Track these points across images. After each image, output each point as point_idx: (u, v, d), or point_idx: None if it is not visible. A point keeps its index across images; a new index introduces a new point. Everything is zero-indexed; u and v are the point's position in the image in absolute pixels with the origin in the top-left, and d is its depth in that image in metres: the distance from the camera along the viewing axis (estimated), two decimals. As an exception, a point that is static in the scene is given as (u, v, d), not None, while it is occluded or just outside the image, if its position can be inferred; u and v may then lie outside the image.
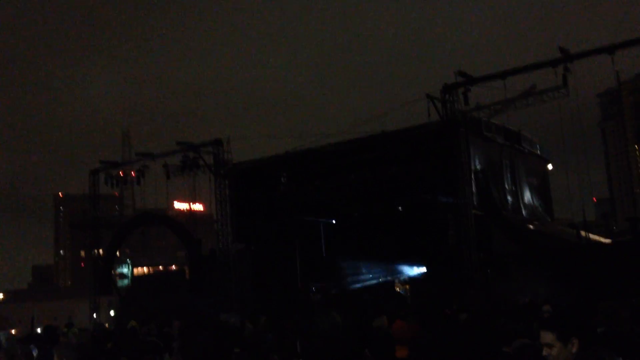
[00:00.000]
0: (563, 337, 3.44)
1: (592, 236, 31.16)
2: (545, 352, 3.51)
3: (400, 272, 29.50)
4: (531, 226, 30.41)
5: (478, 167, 27.42)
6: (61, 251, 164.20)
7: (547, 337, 3.51)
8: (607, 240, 32.55)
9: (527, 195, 33.18)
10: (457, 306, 15.99)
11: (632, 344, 4.46)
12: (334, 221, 31.79)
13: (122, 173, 35.40)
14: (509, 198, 30.85)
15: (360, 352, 1.89)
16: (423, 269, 28.30)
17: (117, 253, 40.93)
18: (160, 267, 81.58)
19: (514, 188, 31.56)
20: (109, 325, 30.73)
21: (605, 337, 4.51)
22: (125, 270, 45.49)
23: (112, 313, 38.25)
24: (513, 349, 5.07)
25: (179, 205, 62.22)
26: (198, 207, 59.96)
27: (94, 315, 33.92)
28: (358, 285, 30.34)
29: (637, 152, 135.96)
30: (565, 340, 3.42)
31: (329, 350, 1.80)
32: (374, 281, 29.81)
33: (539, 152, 35.46)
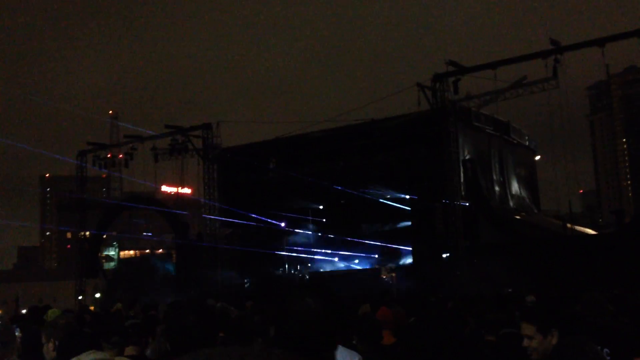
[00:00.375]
0: (543, 329, 3.47)
1: (577, 228, 31.42)
2: (525, 343, 3.54)
3: (387, 260, 29.63)
4: (518, 217, 30.59)
5: (467, 156, 27.50)
6: (47, 232, 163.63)
7: (528, 329, 3.54)
8: (593, 232, 32.83)
9: (515, 186, 33.35)
10: (443, 294, 16.10)
11: (614, 334, 4.51)
12: (321, 207, 31.85)
13: (110, 155, 35.18)
14: (497, 188, 31.00)
15: (333, 336, 1.91)
16: (409, 258, 28.43)
17: (104, 235, 40.81)
18: (147, 251, 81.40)
19: (501, 178, 31.70)
20: (94, 307, 30.69)
21: (587, 328, 4.56)
22: (112, 252, 45.44)
23: (98, 295, 38.16)
24: (497, 338, 5.11)
25: (167, 189, 61.88)
26: (186, 191, 59.66)
27: (80, 297, 33.83)
28: (341, 267, 30.47)
29: (624, 146, 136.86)
30: (545, 332, 3.46)
31: (301, 335, 1.81)
32: (359, 267, 29.94)
33: (527, 143, 35.62)
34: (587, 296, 5.67)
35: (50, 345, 4.28)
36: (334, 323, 2.09)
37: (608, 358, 3.71)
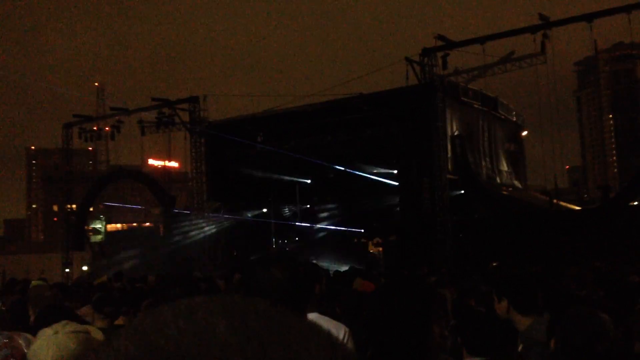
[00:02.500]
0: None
1: (563, 203, 31.69)
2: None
3: (374, 234, 29.76)
4: (505, 192, 30.79)
5: (455, 132, 27.55)
6: (33, 205, 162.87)
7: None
8: (577, 208, 33.13)
9: (502, 161, 33.51)
10: (428, 269, 16.24)
11: (595, 305, 4.58)
12: (309, 181, 31.87)
13: (96, 128, 34.91)
14: (484, 163, 31.12)
15: (299, 305, 1.95)
16: (396, 232, 28.58)
17: (91, 208, 40.68)
18: (135, 224, 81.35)
19: (489, 154, 31.82)
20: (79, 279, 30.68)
21: (574, 300, 4.63)
22: (99, 226, 45.35)
23: (85, 268, 38.14)
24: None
25: (154, 162, 61.62)
26: (173, 164, 59.48)
27: (66, 270, 33.81)
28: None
29: (610, 122, 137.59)
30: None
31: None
32: (347, 242, 30.03)
33: (514, 118, 35.71)
34: (572, 269, 5.77)
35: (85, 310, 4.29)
36: (299, 292, 2.13)
37: None
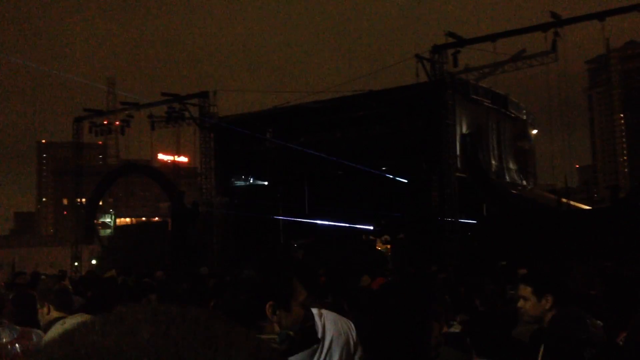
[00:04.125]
0: (538, 291, 3.64)
1: (572, 203, 31.54)
2: (520, 304, 3.74)
3: (383, 231, 29.70)
4: (514, 191, 30.67)
5: (464, 129, 27.45)
6: (44, 198, 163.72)
7: (524, 290, 3.72)
8: (587, 207, 32.97)
9: (512, 160, 33.38)
10: (437, 267, 16.22)
11: (602, 306, 4.56)
12: (318, 177, 31.83)
13: (107, 122, 35.02)
14: (494, 162, 31.01)
15: (263, 305, 2.02)
16: (405, 230, 28.52)
17: (100, 202, 40.82)
18: (143, 218, 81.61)
19: (498, 152, 31.70)
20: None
21: (579, 299, 4.61)
22: (108, 220, 45.56)
23: (94, 262, 38.33)
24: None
25: (163, 157, 61.80)
26: (182, 159, 59.63)
27: (75, 263, 33.98)
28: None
29: (621, 121, 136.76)
30: (539, 295, 3.62)
31: (236, 304, 1.92)
32: (355, 239, 29.99)
33: (525, 117, 35.54)
34: (579, 268, 5.74)
35: (45, 309, 4.31)
36: (268, 291, 2.18)
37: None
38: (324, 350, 2.33)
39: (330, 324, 3.41)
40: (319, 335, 2.22)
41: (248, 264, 2.29)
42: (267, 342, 0.63)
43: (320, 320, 2.29)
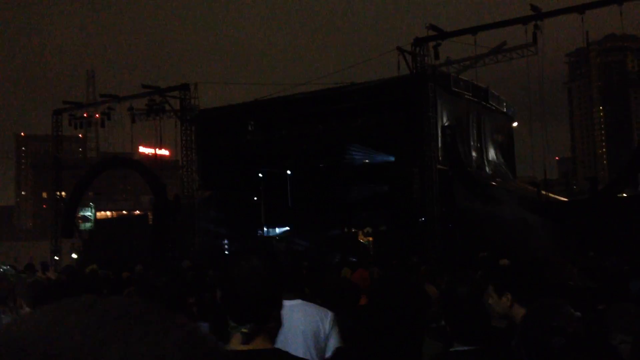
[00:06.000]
0: (498, 290, 3.79)
1: (551, 195, 31.82)
2: (489, 301, 3.84)
3: (364, 224, 29.80)
4: (494, 183, 30.86)
5: (445, 122, 27.56)
6: (22, 192, 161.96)
7: (490, 288, 3.88)
8: (566, 199, 33.28)
9: (492, 152, 33.58)
10: (418, 259, 16.30)
11: (581, 298, 4.61)
12: (300, 170, 31.80)
13: (86, 114, 34.68)
14: (474, 154, 31.18)
15: (279, 297, 2.00)
16: (386, 222, 28.62)
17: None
18: (124, 212, 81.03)
19: (479, 144, 31.88)
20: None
21: (558, 291, 4.66)
22: (88, 213, 45.13)
23: (74, 256, 37.99)
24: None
25: (144, 150, 61.37)
26: (164, 152, 59.25)
27: (55, 257, 33.68)
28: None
29: (600, 113, 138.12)
30: (499, 293, 3.77)
31: (246, 296, 1.89)
32: (337, 231, 30.07)
33: (505, 109, 35.75)
34: (556, 261, 5.81)
35: (18, 301, 4.27)
36: (277, 281, 2.18)
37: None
38: (282, 340, 2.36)
39: (299, 315, 3.43)
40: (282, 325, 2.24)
41: (242, 255, 2.20)
42: (203, 329, 0.64)
43: (288, 312, 2.32)
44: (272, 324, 2.17)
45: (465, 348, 3.15)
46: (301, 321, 3.43)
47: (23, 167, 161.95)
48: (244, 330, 2.07)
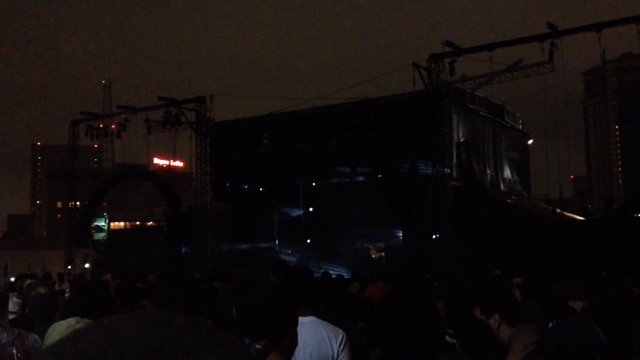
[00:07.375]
0: (485, 311, 3.76)
1: (566, 213, 31.58)
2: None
3: (377, 239, 29.68)
4: (509, 200, 30.71)
5: (461, 138, 27.50)
6: (37, 201, 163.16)
7: (476, 311, 3.87)
8: (581, 218, 33.01)
9: (507, 170, 33.44)
10: (431, 274, 16.18)
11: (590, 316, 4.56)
12: (313, 184, 31.83)
13: (103, 125, 34.95)
14: (489, 171, 31.06)
15: (294, 314, 1.97)
16: (400, 236, 28.51)
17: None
18: (138, 223, 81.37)
19: (494, 161, 31.76)
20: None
21: (569, 310, 4.62)
22: (102, 223, 45.35)
23: (87, 265, 38.14)
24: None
25: (159, 161, 61.70)
26: (178, 164, 59.52)
27: (69, 267, 33.83)
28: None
29: (616, 132, 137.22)
30: (487, 314, 3.74)
31: (260, 312, 1.86)
32: (351, 247, 29.97)
33: (520, 127, 35.63)
34: (561, 283, 5.79)
35: (6, 316, 4.33)
36: (293, 296, 2.15)
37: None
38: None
39: (309, 334, 3.36)
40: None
41: (258, 270, 2.16)
42: (248, 348, 0.67)
43: (298, 329, 2.29)
44: (287, 341, 2.14)
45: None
46: (309, 342, 3.35)
47: (39, 176, 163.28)
48: (258, 346, 2.05)
